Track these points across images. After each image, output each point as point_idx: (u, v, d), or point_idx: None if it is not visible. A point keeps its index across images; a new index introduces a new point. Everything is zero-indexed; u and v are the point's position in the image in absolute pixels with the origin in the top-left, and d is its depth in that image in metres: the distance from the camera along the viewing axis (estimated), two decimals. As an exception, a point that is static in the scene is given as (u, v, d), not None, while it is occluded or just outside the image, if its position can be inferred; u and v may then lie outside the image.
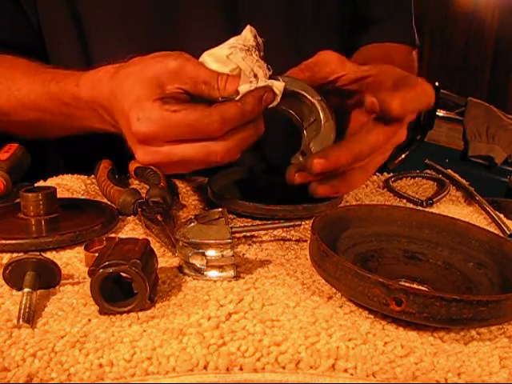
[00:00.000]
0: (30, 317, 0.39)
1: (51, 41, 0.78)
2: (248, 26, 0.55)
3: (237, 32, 0.55)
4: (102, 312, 0.41)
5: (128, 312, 0.41)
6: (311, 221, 0.49)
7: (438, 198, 0.72)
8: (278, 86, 0.54)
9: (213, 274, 0.47)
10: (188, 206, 0.68)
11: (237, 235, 0.56)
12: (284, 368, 0.35)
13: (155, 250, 0.46)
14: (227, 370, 0.35)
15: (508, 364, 0.37)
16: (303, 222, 0.58)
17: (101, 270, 0.40)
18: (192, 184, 0.76)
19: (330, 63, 0.59)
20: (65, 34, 0.77)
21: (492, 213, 0.66)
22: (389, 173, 0.83)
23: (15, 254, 0.49)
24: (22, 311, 0.39)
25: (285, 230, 0.59)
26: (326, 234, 0.46)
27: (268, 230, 0.58)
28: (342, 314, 0.42)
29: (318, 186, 0.58)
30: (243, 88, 0.52)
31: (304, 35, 0.82)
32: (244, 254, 0.53)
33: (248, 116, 0.51)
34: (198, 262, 0.47)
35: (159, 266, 0.47)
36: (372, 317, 0.41)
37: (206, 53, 0.54)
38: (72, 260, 0.50)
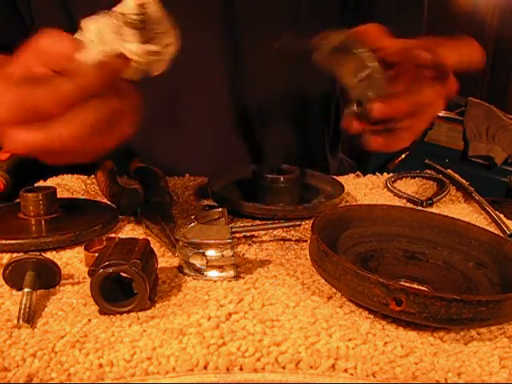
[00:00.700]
0: (30, 317, 0.39)
1: None
2: None
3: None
4: (101, 312, 0.41)
5: (128, 312, 0.41)
6: (311, 221, 0.49)
7: (438, 198, 0.72)
8: (133, 48, 0.42)
9: (213, 274, 0.47)
10: (188, 206, 0.68)
11: (237, 235, 0.56)
12: (284, 368, 0.35)
13: (155, 249, 0.46)
14: (227, 370, 0.35)
15: (508, 364, 0.37)
16: (303, 222, 0.58)
17: (101, 270, 0.40)
18: (192, 184, 0.76)
19: (372, 34, 0.58)
20: None
21: (492, 213, 0.66)
22: (389, 173, 0.83)
23: (15, 254, 0.49)
24: (22, 311, 0.39)
25: (285, 229, 0.59)
26: (326, 234, 0.46)
27: (268, 229, 0.58)
28: (342, 314, 0.42)
29: (371, 137, 0.58)
30: (89, 56, 0.42)
31: (302, 36, 0.82)
32: (244, 254, 0.53)
33: (90, 90, 0.42)
34: (198, 262, 0.47)
35: (159, 266, 0.47)
36: (372, 317, 0.41)
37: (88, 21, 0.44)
38: (72, 260, 0.50)
